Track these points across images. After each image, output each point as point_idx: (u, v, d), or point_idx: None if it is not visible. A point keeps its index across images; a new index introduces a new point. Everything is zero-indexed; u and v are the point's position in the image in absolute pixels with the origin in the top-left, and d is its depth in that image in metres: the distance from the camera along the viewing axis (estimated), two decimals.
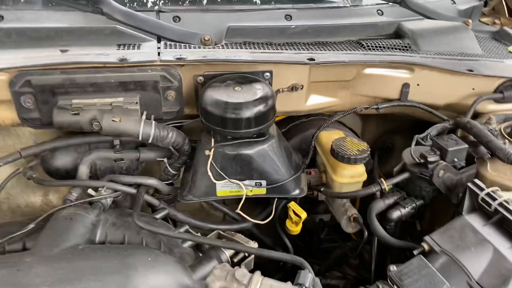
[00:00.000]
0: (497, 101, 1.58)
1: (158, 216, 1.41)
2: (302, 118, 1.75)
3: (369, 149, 1.42)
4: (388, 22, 1.70)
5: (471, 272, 1.08)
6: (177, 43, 1.48)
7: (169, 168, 1.49)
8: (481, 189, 1.22)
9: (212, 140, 1.34)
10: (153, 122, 1.33)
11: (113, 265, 1.09)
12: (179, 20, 1.57)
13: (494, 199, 1.19)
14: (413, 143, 1.41)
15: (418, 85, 1.57)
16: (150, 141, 1.33)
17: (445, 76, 1.54)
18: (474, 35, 1.74)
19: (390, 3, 1.75)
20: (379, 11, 1.76)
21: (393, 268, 1.10)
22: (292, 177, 1.41)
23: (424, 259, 1.11)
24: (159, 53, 1.38)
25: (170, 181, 1.52)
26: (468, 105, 1.58)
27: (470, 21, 1.79)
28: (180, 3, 1.67)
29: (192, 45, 1.48)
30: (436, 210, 1.58)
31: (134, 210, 1.29)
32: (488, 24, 1.98)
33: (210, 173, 1.33)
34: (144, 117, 1.33)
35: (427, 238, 1.19)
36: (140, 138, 1.32)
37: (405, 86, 1.57)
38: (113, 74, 1.33)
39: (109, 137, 1.43)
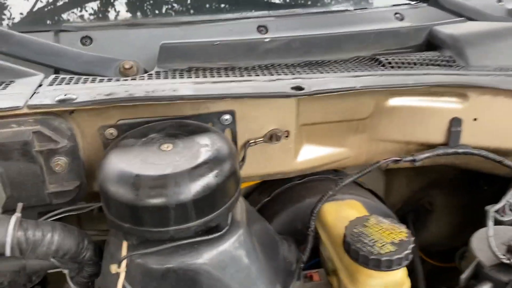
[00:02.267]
0: None
1: None
2: (295, 178, 1.15)
3: (412, 238, 0.80)
4: (415, 27, 1.13)
5: None
6: (83, 76, 0.91)
7: (71, 285, 0.88)
8: None
9: (124, 244, 0.73)
10: (14, 217, 0.73)
11: None
12: (91, 41, 1.02)
13: None
14: (489, 222, 0.79)
15: (475, 119, 0.98)
16: (7, 253, 0.72)
17: None
18: None
19: (413, 3, 1.19)
20: (397, 15, 1.20)
21: None
22: None
23: None
24: (32, 95, 0.80)
25: None
26: None
27: None
28: (94, 17, 1.11)
29: (105, 78, 0.91)
30: None
31: None
32: None
33: None
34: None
35: None
36: None
37: (455, 122, 0.97)
38: None
39: None
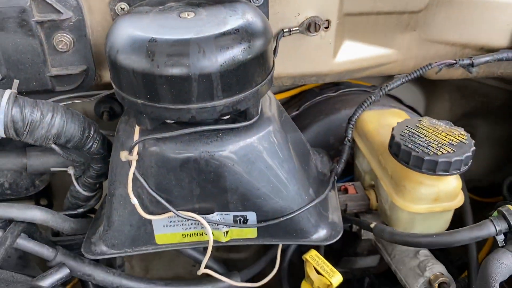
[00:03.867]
0: None
1: (46, 283, 0.70)
2: (328, 91, 1.02)
3: (473, 142, 0.68)
4: None
5: None
6: None
7: (77, 186, 0.79)
8: None
9: (137, 129, 0.63)
10: (7, 92, 0.62)
11: None
12: None
13: None
14: None
15: None
16: (1, 133, 0.62)
17: None
18: None
19: None
20: None
21: None
22: (311, 202, 0.68)
23: None
24: None
25: (82, 210, 0.82)
26: None
27: None
28: None
29: None
30: None
31: None
32: None
33: (134, 200, 0.62)
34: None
35: None
36: None
37: None
38: None
39: None
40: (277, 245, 0.81)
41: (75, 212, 0.81)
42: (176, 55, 0.54)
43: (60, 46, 0.70)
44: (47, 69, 0.72)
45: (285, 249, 0.85)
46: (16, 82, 0.65)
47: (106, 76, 0.78)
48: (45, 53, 0.70)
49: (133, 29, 0.57)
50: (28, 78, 0.71)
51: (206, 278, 0.82)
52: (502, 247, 0.62)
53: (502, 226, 0.61)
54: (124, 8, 0.71)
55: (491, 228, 0.61)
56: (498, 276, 0.59)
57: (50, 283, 0.71)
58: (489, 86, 1.10)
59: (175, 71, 0.54)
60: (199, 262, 0.77)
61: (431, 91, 1.17)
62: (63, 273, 0.72)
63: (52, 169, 0.79)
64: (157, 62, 0.54)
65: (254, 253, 1.11)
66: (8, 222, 0.72)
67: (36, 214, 0.72)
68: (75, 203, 0.81)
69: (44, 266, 0.74)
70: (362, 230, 0.82)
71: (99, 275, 0.75)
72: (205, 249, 0.69)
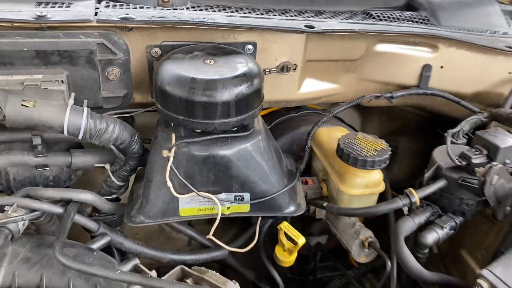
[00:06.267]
0: None
1: (95, 246, 0.98)
2: (291, 112, 1.37)
3: (390, 148, 1.05)
4: None
5: None
6: (125, 4, 1.07)
7: (113, 178, 1.07)
8: None
9: (173, 135, 0.93)
10: (85, 108, 0.91)
11: None
12: None
13: None
14: (448, 139, 1.05)
15: (442, 67, 1.23)
16: (80, 136, 0.91)
17: (477, 56, 1.20)
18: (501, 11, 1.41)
19: None
20: None
21: None
22: (285, 187, 1.02)
23: None
24: (96, 13, 0.97)
25: (115, 196, 1.10)
26: (501, 94, 1.26)
27: None
28: None
29: (145, 7, 1.08)
30: (461, 229, 1.22)
31: (58, 239, 0.87)
32: (504, 3, 1.67)
33: (169, 183, 0.92)
34: (71, 101, 0.91)
35: (486, 273, 0.82)
36: (65, 131, 0.89)
37: (426, 68, 1.22)
38: (27, 39, 0.91)
39: (27, 134, 1.00)
40: (256, 223, 1.12)
41: (110, 197, 1.08)
42: (209, 89, 0.86)
43: (111, 77, 0.99)
44: (100, 92, 1.00)
45: (261, 227, 1.17)
46: (85, 102, 0.93)
47: (138, 98, 1.07)
48: (100, 81, 0.99)
49: (178, 70, 0.88)
50: (87, 98, 0.98)
51: (203, 249, 1.12)
52: (406, 215, 0.99)
53: (405, 201, 0.97)
54: (157, 51, 1.01)
55: (399, 202, 0.97)
56: (403, 232, 0.95)
57: (97, 247, 0.99)
58: (407, 111, 1.50)
59: (207, 99, 0.86)
60: (194, 239, 1.09)
61: (365, 114, 1.56)
62: (106, 239, 1.00)
63: (96, 165, 1.06)
64: (196, 93, 0.86)
65: (237, 231, 1.42)
66: (66, 202, 0.99)
67: (88, 196, 0.99)
68: (109, 191, 1.09)
69: None
70: (317, 211, 1.16)
71: (128, 244, 1.03)
72: (212, 220, 0.99)
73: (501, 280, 0.81)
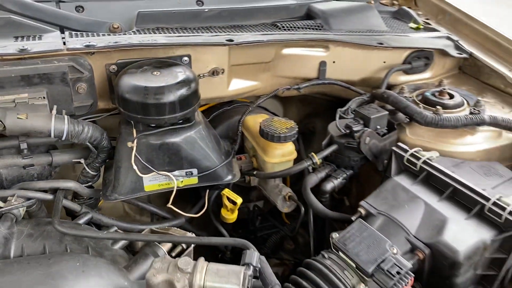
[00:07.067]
0: (406, 72, 1.68)
1: (81, 221, 1.27)
2: (225, 106, 1.71)
3: (297, 126, 1.42)
4: (299, 4, 1.73)
5: (408, 228, 1.12)
6: (84, 33, 1.36)
7: (88, 169, 1.36)
8: (406, 151, 1.28)
9: (134, 130, 1.25)
10: (65, 116, 1.21)
11: (36, 277, 0.97)
12: (83, 9, 1.46)
13: (418, 158, 1.25)
14: (337, 116, 1.44)
15: (334, 62, 1.61)
16: (64, 137, 1.20)
17: (358, 51, 1.60)
18: (379, 13, 1.83)
19: None
20: None
21: (335, 235, 1.10)
22: (223, 162, 1.36)
23: (364, 222, 1.12)
24: (64, 43, 1.26)
25: (90, 184, 1.39)
26: (381, 78, 1.66)
27: (372, 1, 1.89)
28: None
29: (100, 34, 1.38)
30: (362, 184, 1.62)
31: (54, 216, 1.16)
32: (387, 5, 2.10)
33: (135, 167, 1.24)
34: (54, 111, 1.20)
35: (363, 203, 1.21)
36: (52, 135, 1.18)
37: (322, 64, 1.60)
38: (13, 67, 1.18)
39: (15, 141, 1.27)
40: (205, 194, 1.46)
41: (87, 185, 1.38)
42: (158, 94, 1.18)
43: (80, 91, 1.29)
44: (72, 103, 1.29)
45: (209, 198, 1.50)
46: (63, 111, 1.22)
47: (101, 105, 1.36)
48: (72, 94, 1.28)
49: (133, 81, 1.20)
50: (63, 108, 1.27)
51: (165, 219, 1.44)
52: (311, 172, 1.36)
53: (309, 162, 1.34)
54: (114, 68, 1.32)
55: (305, 163, 1.34)
56: (309, 184, 1.33)
57: (82, 222, 1.28)
58: (317, 98, 1.88)
59: (158, 101, 1.18)
60: (156, 214, 1.42)
61: (285, 103, 1.94)
62: (88, 216, 1.30)
63: (73, 160, 1.35)
64: (149, 98, 1.18)
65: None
66: (54, 191, 1.28)
67: (72, 184, 1.29)
68: (85, 180, 1.38)
69: None
70: (251, 180, 1.52)
71: (105, 219, 1.33)
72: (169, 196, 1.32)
73: (372, 205, 1.20)
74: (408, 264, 1.01)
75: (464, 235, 1.08)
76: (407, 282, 1.00)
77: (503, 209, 1.08)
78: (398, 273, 0.99)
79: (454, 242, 1.06)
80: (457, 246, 1.05)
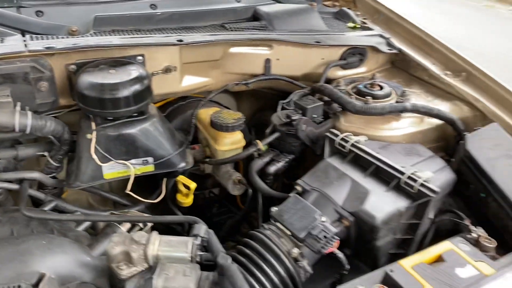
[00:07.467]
0: (343, 67, 1.87)
1: (46, 208, 1.39)
2: (180, 101, 1.85)
3: (244, 117, 1.58)
4: (246, 7, 1.89)
5: (336, 200, 1.29)
6: (44, 36, 1.48)
7: (51, 161, 1.48)
8: (337, 136, 1.46)
9: (93, 123, 1.38)
10: (29, 112, 1.32)
11: (6, 254, 1.08)
12: (42, 14, 1.57)
13: (347, 141, 1.43)
14: (279, 107, 1.61)
15: (278, 59, 1.78)
16: (28, 131, 1.32)
17: (299, 49, 1.77)
18: (319, 15, 2.01)
19: None
20: None
21: (274, 209, 1.26)
22: (177, 151, 1.51)
23: (298, 196, 1.29)
24: (25, 45, 1.37)
25: (54, 175, 1.51)
26: (320, 73, 1.84)
27: (315, 3, 2.07)
28: None
29: (60, 37, 1.49)
30: (308, 169, 1.80)
31: (21, 203, 1.27)
32: (329, 6, 2.29)
33: (94, 156, 1.37)
34: (18, 108, 1.31)
35: (298, 181, 1.38)
36: (16, 129, 1.30)
37: (267, 61, 1.76)
38: None
39: None
40: (162, 181, 1.60)
41: (50, 176, 1.49)
42: (114, 89, 1.32)
43: (42, 89, 1.40)
44: (35, 101, 1.41)
45: (167, 185, 1.64)
46: (27, 108, 1.34)
47: (63, 102, 1.48)
48: (34, 93, 1.39)
49: (91, 79, 1.33)
50: (27, 105, 1.38)
51: (124, 207, 1.57)
52: (256, 157, 1.53)
53: (254, 148, 1.51)
54: (73, 67, 1.44)
55: (251, 150, 1.51)
56: (255, 168, 1.49)
57: (48, 208, 1.40)
58: (267, 92, 2.05)
59: (113, 96, 1.32)
60: (118, 202, 1.54)
61: (238, 97, 2.10)
62: (53, 203, 1.42)
63: (37, 153, 1.47)
64: (105, 93, 1.31)
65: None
66: (20, 181, 1.39)
67: (36, 175, 1.40)
68: (49, 171, 1.50)
69: None
70: (205, 167, 1.67)
71: (69, 206, 1.45)
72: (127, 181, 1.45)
73: (306, 183, 1.38)
74: (333, 229, 1.19)
75: (382, 204, 1.27)
76: (332, 245, 1.17)
77: (416, 181, 1.27)
78: (325, 237, 1.17)
79: (373, 210, 1.24)
80: (375, 213, 1.23)
